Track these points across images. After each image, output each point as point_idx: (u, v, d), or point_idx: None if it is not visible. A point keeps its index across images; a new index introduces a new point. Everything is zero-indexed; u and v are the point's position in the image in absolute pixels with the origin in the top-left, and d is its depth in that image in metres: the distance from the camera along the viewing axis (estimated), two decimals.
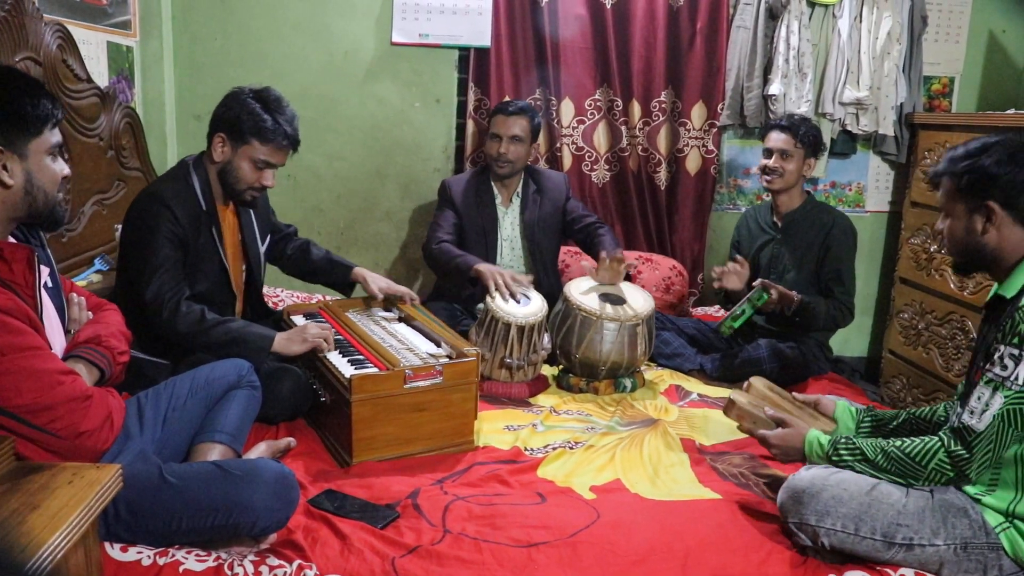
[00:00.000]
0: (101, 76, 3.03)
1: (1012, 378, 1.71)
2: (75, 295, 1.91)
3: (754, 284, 3.00)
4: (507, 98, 3.67)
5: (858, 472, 1.89)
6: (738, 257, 3.27)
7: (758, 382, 2.36)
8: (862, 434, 2.17)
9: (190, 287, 2.42)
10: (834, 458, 1.94)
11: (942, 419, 2.08)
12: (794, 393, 2.32)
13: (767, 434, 2.10)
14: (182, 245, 2.40)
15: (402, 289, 2.89)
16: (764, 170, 3.21)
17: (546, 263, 3.42)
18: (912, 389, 3.69)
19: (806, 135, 3.15)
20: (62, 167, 1.70)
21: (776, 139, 3.17)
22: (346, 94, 3.78)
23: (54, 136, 1.66)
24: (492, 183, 3.41)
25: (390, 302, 2.91)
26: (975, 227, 1.84)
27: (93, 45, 2.99)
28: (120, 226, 2.63)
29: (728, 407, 2.25)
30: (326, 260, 2.92)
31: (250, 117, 2.38)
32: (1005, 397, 1.71)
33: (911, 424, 2.13)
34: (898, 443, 1.87)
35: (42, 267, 1.71)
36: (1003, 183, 1.78)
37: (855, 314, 3.17)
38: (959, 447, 1.77)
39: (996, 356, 1.74)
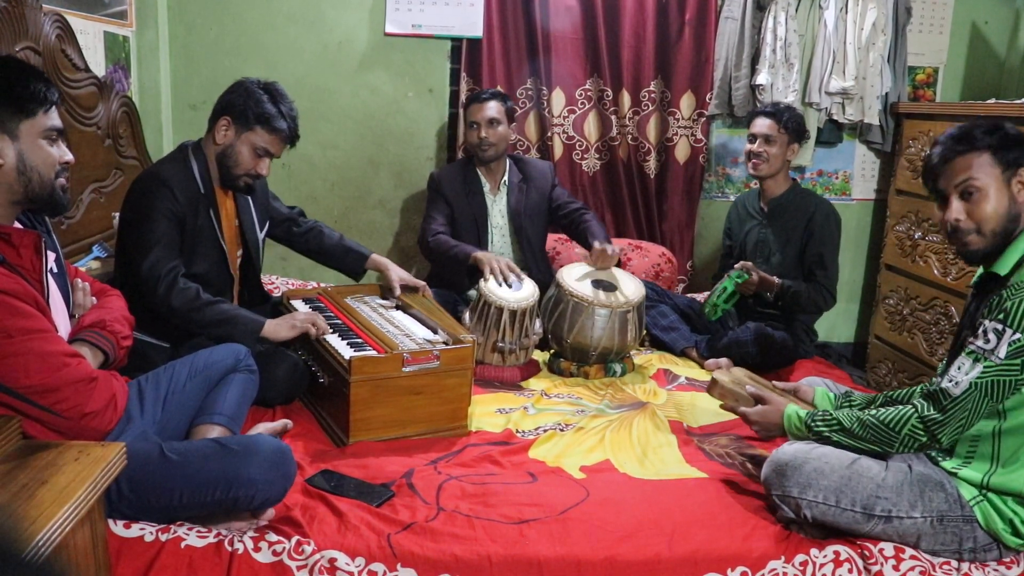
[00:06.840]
0: (98, 66, 3.06)
1: (994, 352, 1.76)
2: (80, 280, 1.94)
3: (735, 266, 3.07)
4: (498, 88, 3.71)
5: (835, 442, 1.95)
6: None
7: (739, 371, 2.40)
8: None
9: (189, 268, 2.44)
10: (813, 430, 1.98)
11: None
12: (774, 382, 2.37)
13: (747, 411, 2.15)
14: (180, 224, 2.43)
15: (419, 283, 2.92)
16: (749, 155, 3.28)
17: (534, 250, 3.45)
18: (897, 373, 3.75)
19: (789, 121, 3.21)
20: (62, 152, 1.71)
21: (760, 125, 3.23)
22: (340, 84, 3.81)
23: (49, 120, 1.68)
24: (479, 172, 3.44)
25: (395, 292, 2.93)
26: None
27: (90, 35, 3.02)
28: (118, 213, 2.66)
29: (711, 386, 2.30)
30: (339, 245, 2.94)
31: (257, 105, 2.45)
32: (985, 368, 1.77)
33: (889, 406, 2.18)
34: (873, 412, 1.92)
35: (48, 253, 1.74)
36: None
37: (838, 299, 3.23)
38: (932, 411, 1.82)
39: (980, 330, 1.80)
